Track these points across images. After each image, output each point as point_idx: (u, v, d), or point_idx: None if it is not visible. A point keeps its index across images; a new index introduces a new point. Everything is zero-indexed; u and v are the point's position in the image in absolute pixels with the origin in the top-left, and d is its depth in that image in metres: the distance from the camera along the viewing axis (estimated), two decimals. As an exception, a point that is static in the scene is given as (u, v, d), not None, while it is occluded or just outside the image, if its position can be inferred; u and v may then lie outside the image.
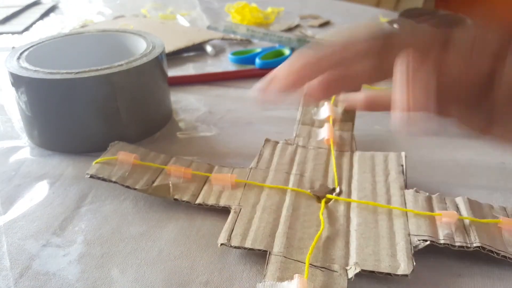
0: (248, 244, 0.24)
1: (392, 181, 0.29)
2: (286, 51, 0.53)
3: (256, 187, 0.29)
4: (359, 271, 0.22)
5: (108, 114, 0.35)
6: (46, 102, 0.34)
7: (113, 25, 0.67)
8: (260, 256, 0.25)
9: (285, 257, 0.24)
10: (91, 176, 0.29)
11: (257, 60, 0.50)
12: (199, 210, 0.29)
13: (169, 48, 0.55)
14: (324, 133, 0.34)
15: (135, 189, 0.29)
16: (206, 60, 0.55)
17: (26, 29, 0.70)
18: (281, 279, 0.22)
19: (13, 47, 0.61)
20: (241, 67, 0.52)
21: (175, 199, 0.28)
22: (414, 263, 0.23)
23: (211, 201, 0.28)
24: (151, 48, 0.38)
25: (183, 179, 0.30)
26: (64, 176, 0.33)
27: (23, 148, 0.37)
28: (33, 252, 0.26)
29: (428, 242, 0.24)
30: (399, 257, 0.23)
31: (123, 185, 0.29)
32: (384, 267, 0.23)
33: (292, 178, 0.30)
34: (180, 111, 0.42)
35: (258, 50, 0.55)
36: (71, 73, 0.33)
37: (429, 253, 0.24)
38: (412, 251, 0.23)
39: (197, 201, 0.28)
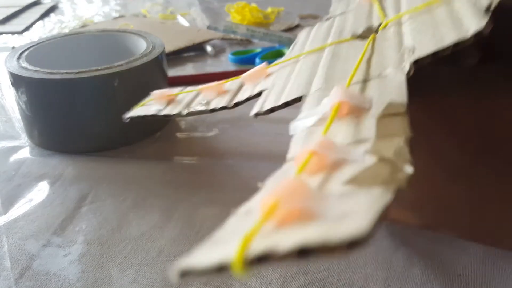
0: (282, 101, 0.21)
1: None
2: (286, 51, 0.53)
3: (290, 63, 0.26)
4: (420, 60, 0.18)
5: (108, 114, 0.35)
6: (46, 102, 0.34)
7: (113, 25, 0.67)
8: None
9: (324, 91, 0.20)
10: (131, 118, 0.28)
11: (257, 60, 0.50)
12: (199, 209, 0.29)
13: (169, 48, 0.55)
14: None
15: (172, 115, 0.27)
16: (206, 60, 0.55)
17: (26, 29, 0.70)
18: None
19: (13, 47, 0.61)
20: (241, 67, 0.52)
21: (212, 110, 0.26)
22: (488, 17, 0.17)
23: (245, 96, 0.26)
24: (151, 48, 0.38)
25: (217, 93, 0.28)
26: (64, 176, 0.33)
27: (23, 148, 0.37)
28: (34, 252, 0.26)
29: None
30: (466, 24, 0.18)
31: (160, 116, 0.27)
32: (448, 40, 0.18)
33: (330, 39, 0.26)
34: (180, 111, 0.42)
35: (258, 50, 0.55)
36: (71, 73, 0.33)
37: (428, 253, 0.24)
38: (483, 13, 0.18)
39: (233, 102, 0.26)
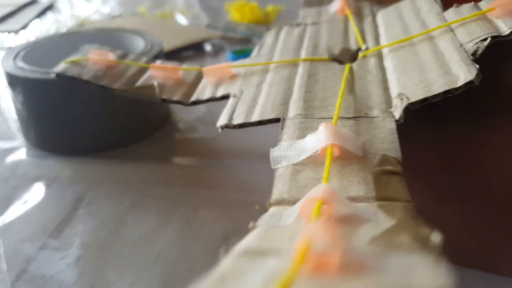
0: (255, 118, 0.20)
1: (425, 13, 0.23)
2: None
3: (259, 71, 0.24)
4: (408, 106, 0.17)
5: (105, 114, 0.34)
6: (42, 102, 0.34)
7: (110, 24, 0.66)
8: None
9: (305, 118, 0.19)
10: (58, 75, 0.25)
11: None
12: (198, 211, 0.28)
13: (168, 47, 0.55)
14: (336, 4, 0.29)
15: (112, 89, 0.24)
16: (205, 59, 0.55)
17: (23, 28, 0.69)
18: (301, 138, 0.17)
19: (10, 48, 0.60)
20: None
21: (163, 100, 0.24)
22: (477, 67, 0.17)
23: (206, 96, 0.24)
24: (149, 47, 0.37)
25: (171, 79, 0.25)
26: (61, 178, 0.32)
27: (19, 149, 0.36)
28: (30, 254, 0.26)
29: (488, 40, 0.18)
30: (455, 70, 0.18)
31: (97, 85, 0.24)
32: (438, 88, 0.17)
33: (303, 52, 0.25)
34: (178, 111, 0.42)
35: (258, 49, 0.54)
36: (68, 73, 0.33)
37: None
38: (471, 59, 0.18)
39: (192, 99, 0.24)
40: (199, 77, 0.26)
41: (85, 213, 0.29)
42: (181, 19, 0.72)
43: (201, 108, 0.42)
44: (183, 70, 0.26)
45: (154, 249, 0.26)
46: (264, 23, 0.68)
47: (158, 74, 0.25)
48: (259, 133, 0.38)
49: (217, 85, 0.25)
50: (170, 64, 0.26)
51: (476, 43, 0.19)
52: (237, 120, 0.21)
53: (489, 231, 0.22)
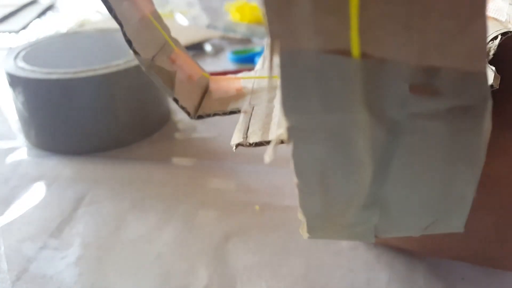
0: (272, 137, 0.19)
1: None
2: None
3: (268, 85, 0.24)
4: None
5: (106, 114, 0.34)
6: (43, 102, 0.34)
7: (111, 24, 0.66)
8: (261, 256, 0.24)
9: None
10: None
11: (257, 59, 0.50)
12: (198, 211, 0.28)
13: (168, 47, 0.55)
14: None
15: (136, 53, 0.21)
16: (205, 59, 0.55)
17: (23, 28, 0.69)
18: None
19: (10, 48, 0.60)
20: (241, 66, 0.52)
21: (175, 100, 0.22)
22: (493, 69, 0.17)
23: (213, 110, 0.23)
24: (149, 47, 0.37)
25: (187, 76, 0.24)
26: (61, 178, 0.32)
27: (20, 148, 0.36)
28: (30, 254, 0.26)
29: (499, 38, 0.18)
30: None
31: (126, 38, 0.21)
32: None
33: None
34: (178, 112, 0.42)
35: (258, 49, 0.54)
36: (69, 73, 0.33)
37: (431, 256, 0.24)
38: None
39: (198, 113, 0.23)
40: (207, 85, 0.25)
41: (86, 213, 0.29)
42: (181, 19, 0.72)
43: (201, 108, 0.42)
44: (198, 71, 0.25)
45: (154, 249, 0.26)
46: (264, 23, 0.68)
47: (178, 61, 0.24)
48: (259, 133, 0.38)
49: (224, 99, 0.24)
50: (193, 60, 0.25)
51: (487, 43, 0.18)
52: (253, 138, 0.20)
53: (490, 226, 0.22)
